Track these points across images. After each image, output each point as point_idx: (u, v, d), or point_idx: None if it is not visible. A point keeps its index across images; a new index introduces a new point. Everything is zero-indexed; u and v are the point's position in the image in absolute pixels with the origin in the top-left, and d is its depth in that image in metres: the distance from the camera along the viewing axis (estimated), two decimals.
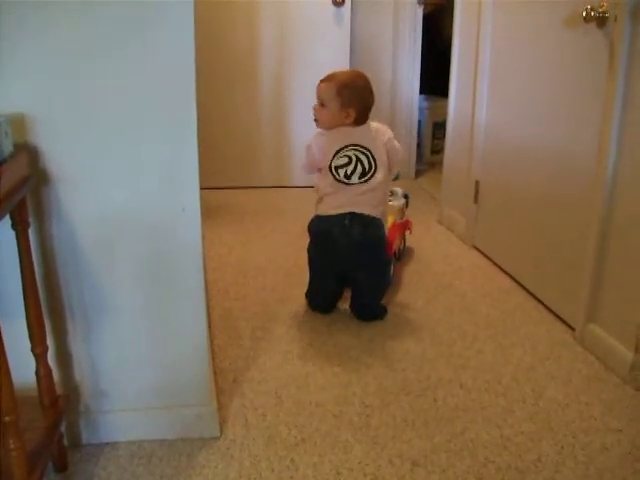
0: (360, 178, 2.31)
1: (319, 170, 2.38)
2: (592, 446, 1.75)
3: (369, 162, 2.31)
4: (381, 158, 2.34)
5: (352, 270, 2.43)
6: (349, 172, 2.30)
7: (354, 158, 2.30)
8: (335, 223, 2.31)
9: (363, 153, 2.30)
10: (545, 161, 2.52)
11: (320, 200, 2.39)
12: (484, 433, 1.80)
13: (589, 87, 2.20)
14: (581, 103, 2.27)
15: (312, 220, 2.41)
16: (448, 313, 2.52)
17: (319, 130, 2.39)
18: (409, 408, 1.91)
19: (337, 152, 2.31)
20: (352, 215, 2.30)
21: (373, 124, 2.39)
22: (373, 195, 2.34)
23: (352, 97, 2.32)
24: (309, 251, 2.47)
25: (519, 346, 2.28)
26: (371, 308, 2.47)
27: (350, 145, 2.31)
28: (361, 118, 2.35)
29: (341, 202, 2.32)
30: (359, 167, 2.30)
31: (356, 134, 2.33)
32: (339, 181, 2.32)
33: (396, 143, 2.43)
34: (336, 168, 2.31)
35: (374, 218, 2.34)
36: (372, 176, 2.32)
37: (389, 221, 2.76)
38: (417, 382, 2.05)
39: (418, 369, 2.12)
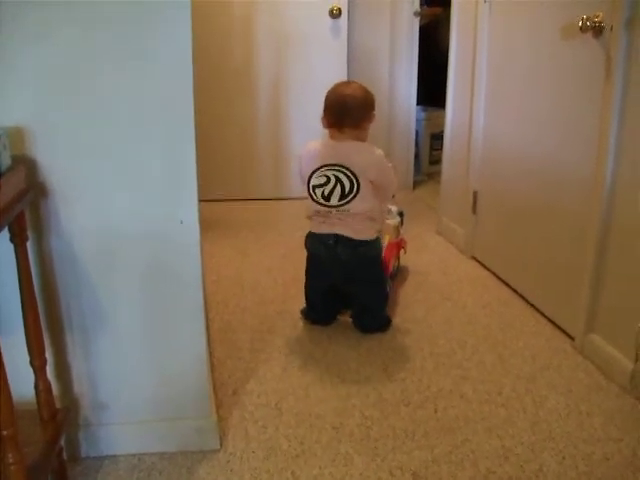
0: (340, 200, 2.24)
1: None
2: (593, 456, 1.74)
3: (351, 184, 2.22)
4: (366, 182, 2.22)
5: (344, 286, 2.43)
6: (326, 193, 2.24)
7: (333, 178, 2.22)
8: (321, 242, 2.30)
9: (345, 174, 2.22)
10: (543, 171, 2.53)
11: (309, 218, 2.37)
12: (485, 444, 1.79)
13: (586, 97, 2.21)
14: (578, 113, 2.27)
15: (307, 235, 2.39)
16: (447, 324, 2.52)
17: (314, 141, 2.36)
18: (409, 419, 1.91)
19: (316, 170, 2.26)
20: (337, 236, 2.26)
21: (367, 146, 2.30)
22: (355, 221, 2.26)
23: (325, 103, 2.30)
24: (306, 262, 2.47)
25: (519, 356, 2.27)
26: (371, 320, 2.46)
27: (329, 165, 2.24)
28: (338, 126, 2.26)
29: (324, 223, 2.29)
30: (338, 188, 2.23)
31: (340, 151, 2.24)
32: (317, 202, 2.27)
33: (384, 176, 2.31)
34: (314, 187, 2.27)
35: (362, 240, 2.28)
36: (352, 199, 2.23)
37: (385, 240, 2.71)
38: (417, 393, 2.05)
39: (418, 380, 2.12)
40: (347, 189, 2.22)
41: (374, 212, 2.30)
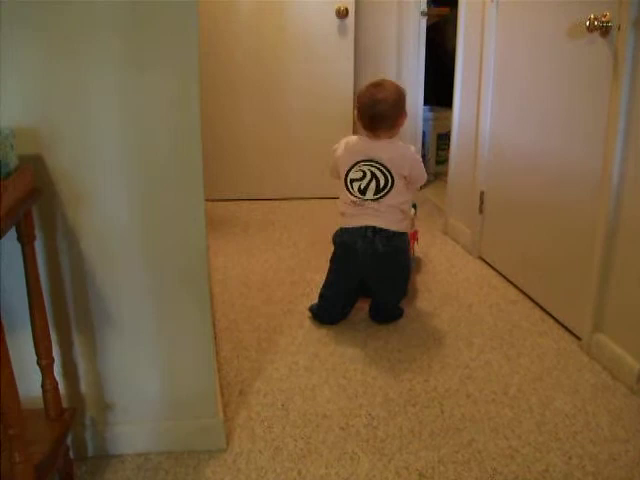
0: (375, 194, 2.32)
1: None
2: (600, 457, 1.74)
3: (385, 179, 2.31)
4: (400, 177, 2.33)
5: (373, 280, 2.47)
6: (362, 187, 2.33)
7: (369, 173, 2.31)
8: (358, 234, 2.33)
9: (379, 170, 2.31)
10: (550, 171, 2.52)
11: (342, 214, 2.42)
12: (492, 444, 1.79)
13: (594, 96, 2.20)
14: (586, 112, 2.27)
15: (336, 232, 2.44)
16: (454, 324, 2.51)
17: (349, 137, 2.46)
18: (416, 419, 1.91)
19: (354, 165, 2.34)
20: (374, 228, 2.32)
21: (400, 144, 2.40)
22: (392, 212, 2.35)
23: (358, 106, 2.39)
24: (331, 261, 2.49)
25: (526, 356, 2.27)
26: (388, 311, 2.52)
27: (365, 160, 2.32)
28: (373, 130, 2.35)
29: (358, 216, 2.35)
30: (373, 183, 2.31)
31: (375, 148, 2.34)
32: (353, 195, 2.35)
33: (417, 169, 2.41)
34: (351, 181, 2.35)
35: (396, 232, 2.36)
36: (387, 193, 2.32)
37: None
38: (424, 393, 2.04)
39: (424, 380, 2.12)
40: (382, 184, 2.32)
41: (406, 205, 2.41)
